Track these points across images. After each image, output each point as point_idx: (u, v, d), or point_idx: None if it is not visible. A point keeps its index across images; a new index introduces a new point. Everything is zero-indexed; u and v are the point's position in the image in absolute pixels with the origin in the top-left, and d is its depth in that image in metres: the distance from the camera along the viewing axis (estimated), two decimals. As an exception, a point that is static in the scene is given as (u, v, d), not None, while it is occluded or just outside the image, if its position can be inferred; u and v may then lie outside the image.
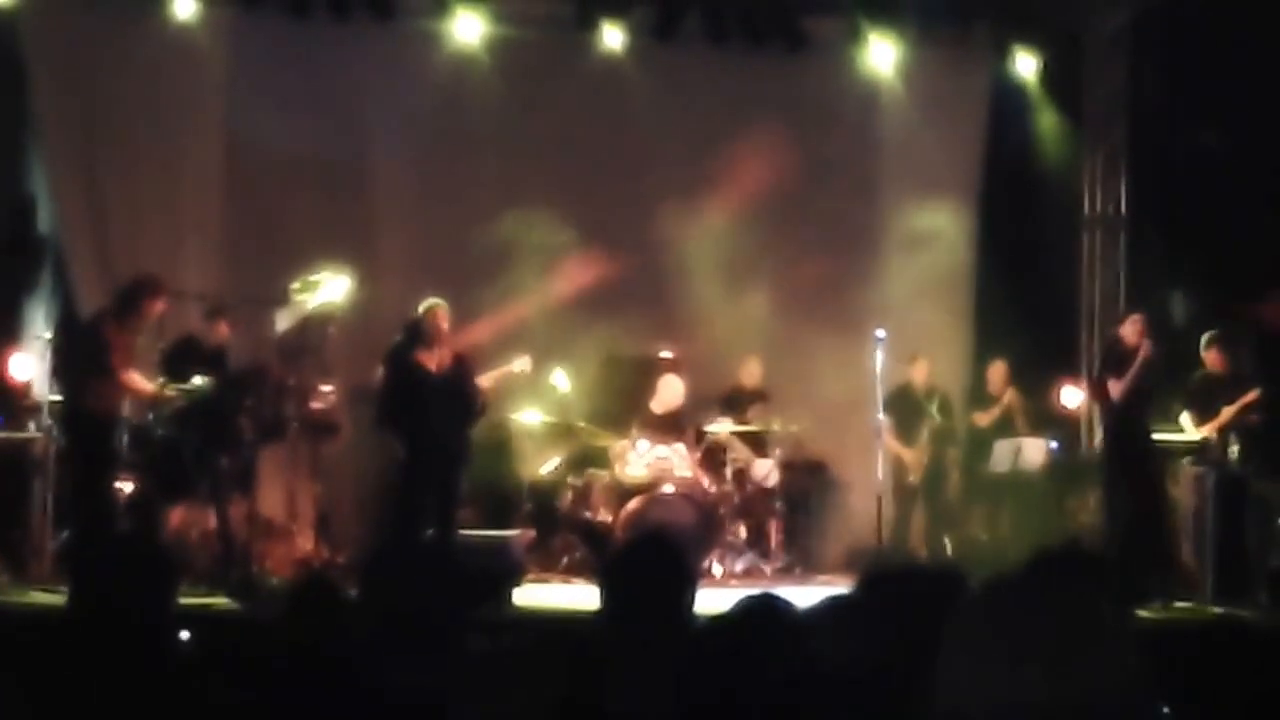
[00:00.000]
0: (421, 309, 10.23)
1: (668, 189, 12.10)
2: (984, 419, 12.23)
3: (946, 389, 12.35)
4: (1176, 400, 10.95)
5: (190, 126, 11.65)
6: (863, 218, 12.64)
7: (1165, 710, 2.70)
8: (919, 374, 12.04)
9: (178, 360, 10.09)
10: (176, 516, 10.04)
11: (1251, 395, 10.43)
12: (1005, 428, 12.12)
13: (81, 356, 9.67)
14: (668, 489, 11.04)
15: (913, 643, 2.51)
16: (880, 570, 2.83)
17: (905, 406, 11.92)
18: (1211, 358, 10.73)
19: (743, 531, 11.59)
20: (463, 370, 10.27)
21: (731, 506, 11.47)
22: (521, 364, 10.87)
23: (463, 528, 10.42)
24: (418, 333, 10.17)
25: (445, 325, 10.20)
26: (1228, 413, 10.51)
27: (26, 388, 10.57)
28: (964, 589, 2.72)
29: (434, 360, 10.14)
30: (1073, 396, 12.64)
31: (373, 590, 3.29)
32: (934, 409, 12.10)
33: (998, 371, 12.22)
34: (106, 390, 9.52)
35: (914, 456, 11.98)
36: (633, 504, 10.99)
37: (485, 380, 10.67)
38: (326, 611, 3.55)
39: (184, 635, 3.81)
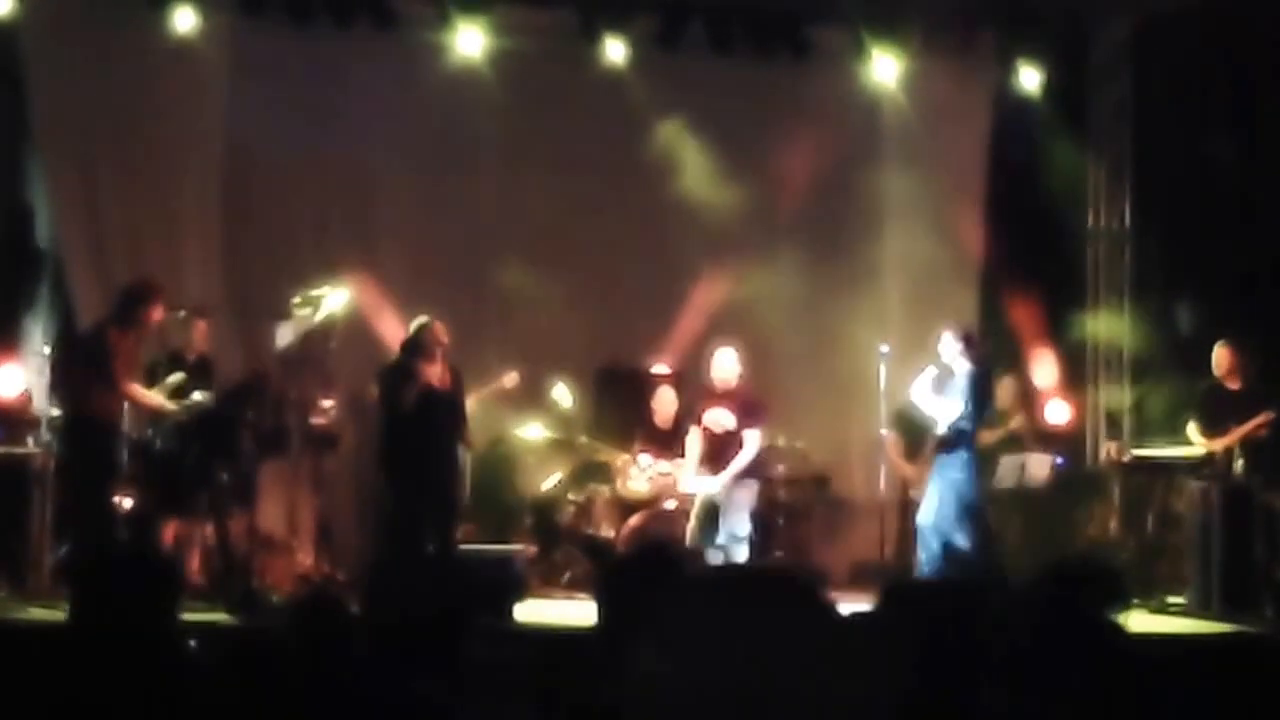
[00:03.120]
0: (415, 325, 10.24)
1: (669, 199, 12.07)
2: (989, 437, 12.17)
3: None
4: (1185, 412, 10.94)
5: (190, 137, 11.61)
6: (866, 229, 12.61)
7: None
8: None
9: (165, 375, 10.05)
10: (176, 530, 9.99)
11: (1266, 416, 10.39)
12: (1011, 444, 12.07)
13: (84, 365, 9.63)
14: (670, 504, 11.00)
15: (938, 660, 2.46)
16: (902, 587, 2.78)
17: (910, 421, 11.86)
18: (1220, 369, 10.69)
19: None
20: (459, 388, 10.30)
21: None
22: (510, 379, 10.86)
23: (464, 542, 10.39)
24: (417, 348, 10.16)
25: (445, 339, 10.21)
26: (1238, 431, 10.47)
27: (22, 401, 10.51)
28: (988, 605, 2.68)
29: (435, 376, 10.14)
30: (1060, 412, 12.60)
31: (376, 604, 3.26)
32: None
33: (1006, 389, 12.19)
34: (109, 399, 9.48)
35: (917, 471, 11.93)
36: (635, 519, 10.96)
37: (474, 396, 10.69)
38: (331, 625, 3.51)
39: (190, 645, 3.76)
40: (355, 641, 3.40)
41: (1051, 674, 2.99)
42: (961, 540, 9.84)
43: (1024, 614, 3.10)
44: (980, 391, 10.05)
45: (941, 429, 10.07)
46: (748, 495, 10.51)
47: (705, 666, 1.81)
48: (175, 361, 10.25)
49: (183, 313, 10.27)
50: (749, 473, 10.48)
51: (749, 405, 10.51)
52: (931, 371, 10.12)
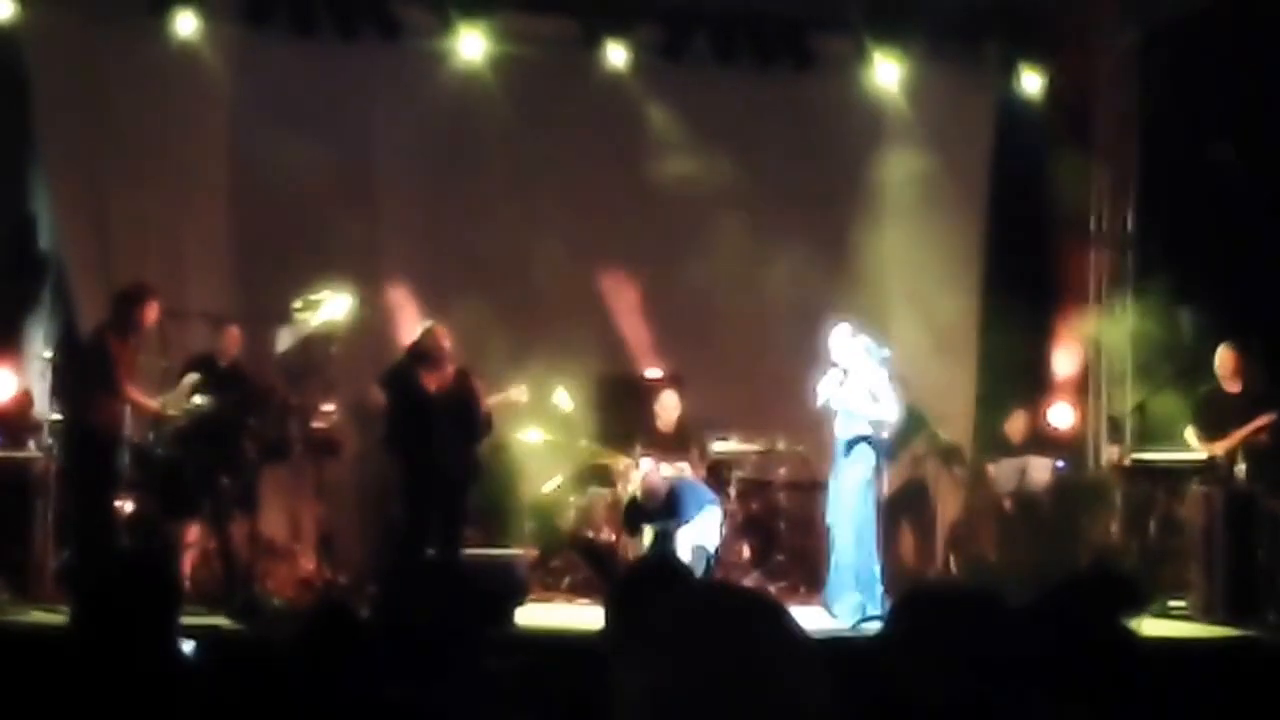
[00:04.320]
0: (420, 329, 10.25)
1: (672, 206, 12.08)
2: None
3: (950, 407, 12.37)
4: (1185, 417, 10.93)
5: (194, 144, 11.61)
6: (869, 234, 12.60)
7: None
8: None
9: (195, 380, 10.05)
10: (178, 536, 9.99)
11: (1265, 419, 10.38)
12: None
13: (85, 372, 9.63)
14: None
15: (956, 668, 2.45)
16: (918, 595, 2.77)
17: (906, 426, 11.89)
18: (1224, 371, 10.68)
19: (747, 551, 11.54)
20: (466, 389, 10.29)
21: (736, 525, 11.41)
22: (519, 393, 10.88)
23: (465, 547, 10.39)
24: (419, 354, 10.17)
25: (447, 345, 10.21)
26: (1239, 434, 10.46)
27: (19, 406, 10.50)
28: (1002, 612, 2.67)
29: (436, 380, 10.14)
30: (1063, 415, 12.60)
31: (387, 611, 3.25)
32: (937, 427, 12.10)
33: (1017, 424, 12.20)
34: (111, 406, 9.48)
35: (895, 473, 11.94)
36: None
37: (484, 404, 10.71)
38: (340, 632, 3.51)
39: (189, 647, 3.76)
40: (362, 649, 3.39)
41: (1069, 679, 2.98)
42: (845, 536, 9.86)
43: (1042, 621, 3.10)
44: (883, 389, 10.01)
45: (846, 428, 10.03)
46: (714, 516, 10.76)
47: (686, 679, 1.82)
48: (207, 368, 10.23)
49: (217, 321, 10.33)
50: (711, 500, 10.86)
51: (681, 507, 10.80)
52: (836, 373, 10.07)
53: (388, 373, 10.36)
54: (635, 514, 10.94)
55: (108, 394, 9.44)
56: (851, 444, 10.02)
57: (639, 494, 10.92)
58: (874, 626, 6.65)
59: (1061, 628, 3.04)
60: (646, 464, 11.17)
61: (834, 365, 10.07)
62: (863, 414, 9.95)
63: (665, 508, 10.84)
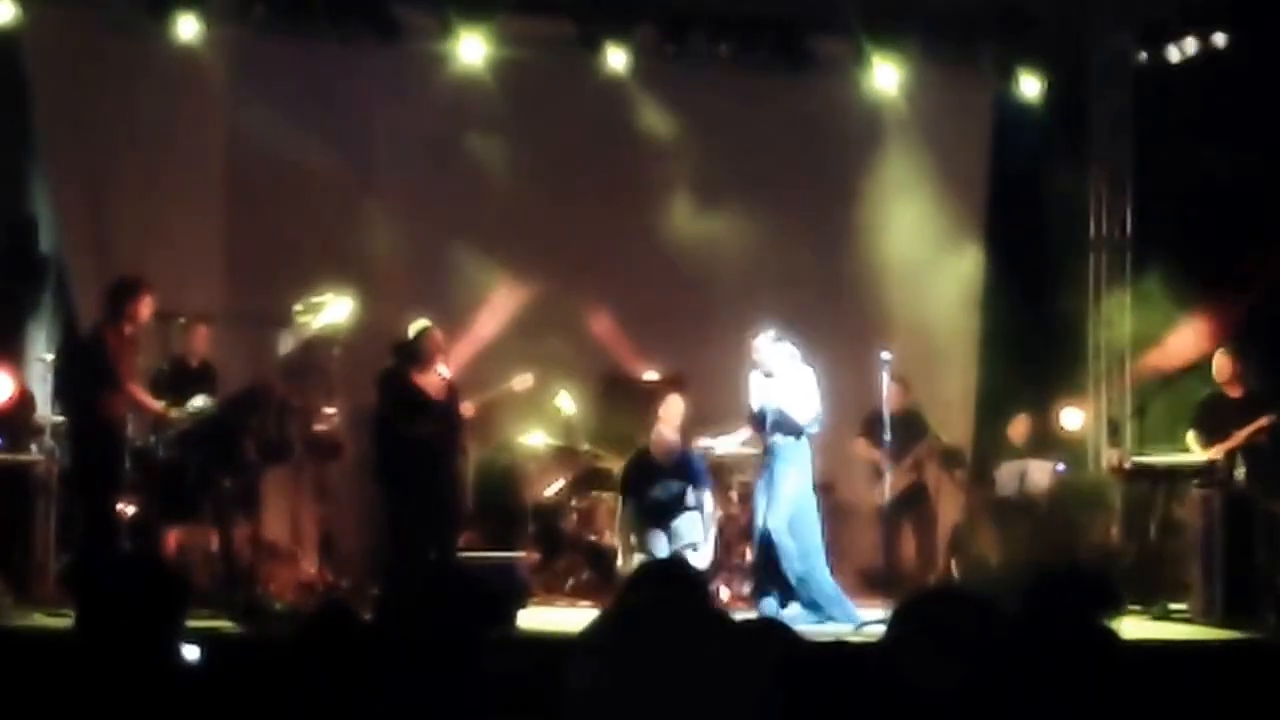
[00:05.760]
0: (415, 330, 10.23)
1: (671, 209, 12.10)
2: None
3: (951, 410, 12.39)
4: (1185, 419, 10.95)
5: (193, 146, 11.63)
6: (866, 238, 12.63)
7: None
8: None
9: (168, 382, 10.07)
10: (179, 538, 9.99)
11: (1264, 421, 10.40)
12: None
13: (86, 370, 9.60)
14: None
15: (957, 674, 2.47)
16: (920, 600, 2.78)
17: (905, 428, 11.89)
18: (1221, 376, 10.70)
19: (749, 553, 11.54)
20: (455, 395, 10.32)
21: (737, 528, 11.41)
22: (523, 381, 10.87)
23: (467, 549, 10.40)
24: (413, 354, 10.16)
25: (444, 346, 10.23)
26: (1239, 435, 10.47)
27: (19, 407, 10.50)
28: (1001, 618, 2.68)
29: (433, 383, 10.13)
30: (1074, 418, 12.61)
31: (389, 613, 3.26)
32: (938, 430, 12.11)
33: (1019, 427, 12.21)
34: (114, 402, 9.45)
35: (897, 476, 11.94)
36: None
37: (486, 398, 10.72)
38: (341, 635, 3.51)
39: (193, 653, 3.76)
40: (364, 651, 3.40)
41: (1048, 680, 3.00)
42: (785, 543, 9.78)
43: (1020, 622, 3.11)
44: (813, 389, 9.97)
45: (774, 434, 9.95)
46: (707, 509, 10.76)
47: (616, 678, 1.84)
48: (178, 367, 10.26)
49: (183, 319, 10.31)
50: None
51: (695, 471, 10.74)
52: (757, 377, 10.03)
53: (381, 373, 10.36)
54: (642, 469, 10.80)
55: (110, 390, 9.41)
56: (781, 450, 9.93)
57: (650, 446, 10.71)
58: (876, 631, 6.67)
59: (1040, 629, 3.06)
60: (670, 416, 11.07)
61: (756, 370, 9.99)
62: (787, 418, 9.84)
63: (676, 468, 10.69)
